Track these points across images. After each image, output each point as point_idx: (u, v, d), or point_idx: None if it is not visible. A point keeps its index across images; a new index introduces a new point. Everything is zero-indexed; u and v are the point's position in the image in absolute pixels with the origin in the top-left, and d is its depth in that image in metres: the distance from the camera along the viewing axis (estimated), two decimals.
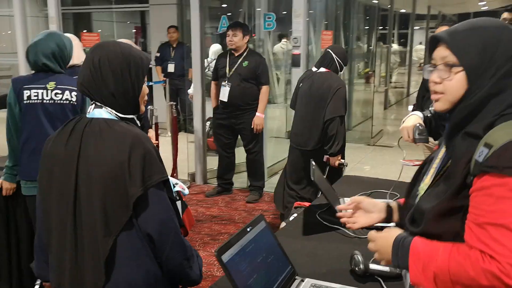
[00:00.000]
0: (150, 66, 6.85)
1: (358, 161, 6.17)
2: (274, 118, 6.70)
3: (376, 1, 9.47)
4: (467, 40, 1.09)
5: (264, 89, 4.40)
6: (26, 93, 2.40)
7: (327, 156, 3.41)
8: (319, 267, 1.63)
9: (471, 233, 1.01)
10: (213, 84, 4.65)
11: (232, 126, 4.53)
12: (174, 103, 5.46)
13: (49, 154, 1.46)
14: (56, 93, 2.42)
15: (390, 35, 9.89)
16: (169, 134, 6.33)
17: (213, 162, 5.21)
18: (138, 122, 1.52)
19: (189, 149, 5.44)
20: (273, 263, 1.41)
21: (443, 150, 1.20)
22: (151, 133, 3.51)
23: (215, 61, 4.76)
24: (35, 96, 2.41)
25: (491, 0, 12.10)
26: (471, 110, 1.08)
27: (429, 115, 2.40)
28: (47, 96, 2.42)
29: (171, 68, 7.22)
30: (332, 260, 1.70)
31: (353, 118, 8.34)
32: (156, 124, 4.69)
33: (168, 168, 4.81)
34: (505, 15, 4.32)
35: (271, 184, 4.88)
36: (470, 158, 1.03)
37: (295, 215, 2.64)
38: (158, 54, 7.37)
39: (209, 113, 5.05)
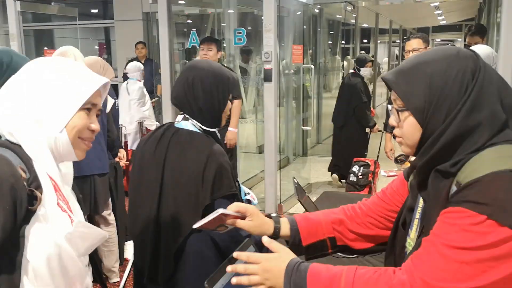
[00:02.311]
0: (117, 83, 6.65)
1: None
2: (244, 133, 6.64)
3: (340, 16, 9.64)
4: (411, 80, 1.00)
5: (236, 103, 4.27)
6: None
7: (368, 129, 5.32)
8: None
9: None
10: None
11: None
12: (144, 121, 5.34)
13: (141, 153, 1.69)
14: None
15: (356, 48, 10.08)
16: None
17: None
18: (218, 134, 1.70)
19: None
20: None
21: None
22: (122, 153, 3.39)
23: None
24: None
25: (449, 14, 12.55)
26: (438, 157, 0.99)
27: None
28: None
29: None
30: None
31: (323, 131, 8.36)
32: (126, 142, 4.56)
33: None
34: (468, 39, 4.46)
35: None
36: (446, 201, 0.96)
37: (356, 167, 3.80)
38: (126, 71, 7.21)
39: None
